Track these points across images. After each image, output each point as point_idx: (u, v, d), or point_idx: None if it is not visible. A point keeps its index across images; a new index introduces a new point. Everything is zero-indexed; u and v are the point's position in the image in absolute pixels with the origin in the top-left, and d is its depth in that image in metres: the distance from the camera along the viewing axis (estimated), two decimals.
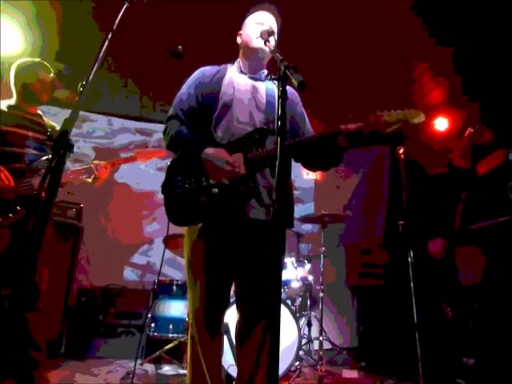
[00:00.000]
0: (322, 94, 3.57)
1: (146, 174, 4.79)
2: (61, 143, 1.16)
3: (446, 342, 2.93)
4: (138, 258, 4.86)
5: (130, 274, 4.77)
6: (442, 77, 4.05)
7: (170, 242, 3.24)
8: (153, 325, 3.36)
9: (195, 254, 1.69)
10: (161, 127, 1.88)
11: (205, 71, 1.89)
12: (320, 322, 3.44)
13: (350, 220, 4.71)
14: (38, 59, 2.50)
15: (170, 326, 3.35)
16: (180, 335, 3.31)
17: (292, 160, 1.84)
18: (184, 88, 1.86)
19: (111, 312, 3.78)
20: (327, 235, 3.77)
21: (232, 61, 1.95)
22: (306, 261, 3.68)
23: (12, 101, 2.42)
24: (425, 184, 3.45)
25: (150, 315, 3.38)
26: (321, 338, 3.36)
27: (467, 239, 2.85)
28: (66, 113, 1.27)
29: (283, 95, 1.25)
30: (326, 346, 3.63)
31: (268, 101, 1.81)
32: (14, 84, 2.43)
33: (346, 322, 4.72)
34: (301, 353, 3.39)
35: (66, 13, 3.40)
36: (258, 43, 1.78)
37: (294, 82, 1.27)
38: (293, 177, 1.88)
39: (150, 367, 3.34)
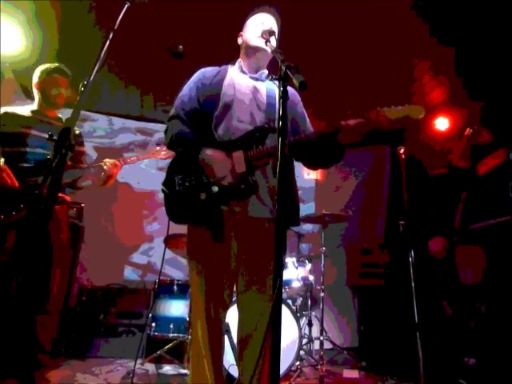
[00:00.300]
0: (322, 94, 3.57)
1: (147, 174, 4.80)
2: (63, 141, 1.16)
3: (447, 341, 2.92)
4: (138, 258, 4.86)
5: (130, 274, 4.78)
6: (442, 76, 4.05)
7: (171, 241, 3.25)
8: (153, 324, 3.36)
9: (197, 253, 1.70)
10: (162, 127, 1.89)
11: (205, 72, 1.90)
12: (321, 321, 3.44)
13: (351, 220, 4.71)
14: (56, 64, 2.61)
15: (171, 326, 3.35)
16: (181, 335, 3.31)
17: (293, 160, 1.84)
18: (185, 89, 1.87)
19: (112, 311, 3.79)
20: (328, 235, 3.76)
21: (233, 61, 1.95)
22: (306, 261, 3.68)
23: (35, 105, 2.56)
24: (425, 184, 3.45)
25: (150, 315, 3.38)
26: (321, 338, 3.36)
27: (468, 239, 2.85)
28: (68, 112, 1.27)
29: (284, 95, 1.25)
30: (327, 345, 3.63)
31: (268, 102, 1.82)
32: (36, 89, 2.55)
33: (347, 322, 4.72)
34: (301, 353, 3.39)
35: (67, 12, 3.41)
36: (258, 43, 1.79)
37: (295, 82, 1.27)
38: None
39: (150, 367, 3.34)
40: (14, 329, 2.10)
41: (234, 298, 1.77)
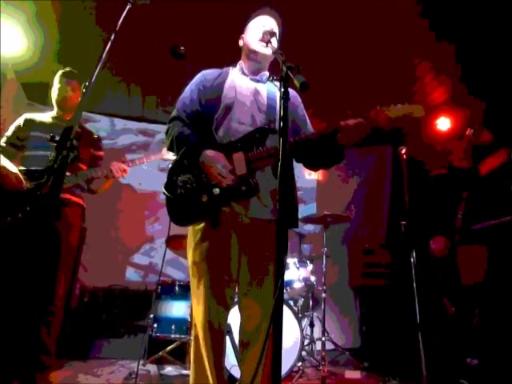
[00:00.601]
0: (323, 94, 3.56)
1: (149, 175, 4.80)
2: (65, 142, 1.16)
3: (449, 342, 2.92)
4: (140, 259, 4.86)
5: (132, 275, 4.78)
6: (444, 76, 4.04)
7: (172, 242, 3.25)
8: (155, 325, 3.36)
9: (198, 254, 1.70)
10: (163, 128, 1.90)
11: (207, 74, 1.91)
12: (322, 322, 3.43)
13: (353, 220, 4.70)
14: (69, 69, 2.69)
15: (173, 327, 3.35)
16: (182, 336, 3.31)
17: (293, 160, 1.84)
18: (187, 92, 1.88)
19: (113, 312, 3.79)
20: (329, 236, 3.76)
21: (234, 63, 1.96)
22: (308, 261, 3.67)
23: (54, 112, 2.66)
24: (427, 184, 3.45)
25: (152, 316, 3.38)
26: (323, 339, 3.36)
27: (469, 239, 2.85)
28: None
29: (285, 96, 1.25)
30: (329, 346, 3.62)
31: (269, 103, 1.82)
32: (53, 96, 2.64)
33: (349, 323, 4.71)
34: (303, 353, 3.38)
35: (67, 12, 3.41)
36: (259, 44, 1.80)
37: (296, 82, 1.27)
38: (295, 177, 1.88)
39: (152, 368, 3.34)
40: (17, 330, 2.10)
41: (236, 299, 1.77)
